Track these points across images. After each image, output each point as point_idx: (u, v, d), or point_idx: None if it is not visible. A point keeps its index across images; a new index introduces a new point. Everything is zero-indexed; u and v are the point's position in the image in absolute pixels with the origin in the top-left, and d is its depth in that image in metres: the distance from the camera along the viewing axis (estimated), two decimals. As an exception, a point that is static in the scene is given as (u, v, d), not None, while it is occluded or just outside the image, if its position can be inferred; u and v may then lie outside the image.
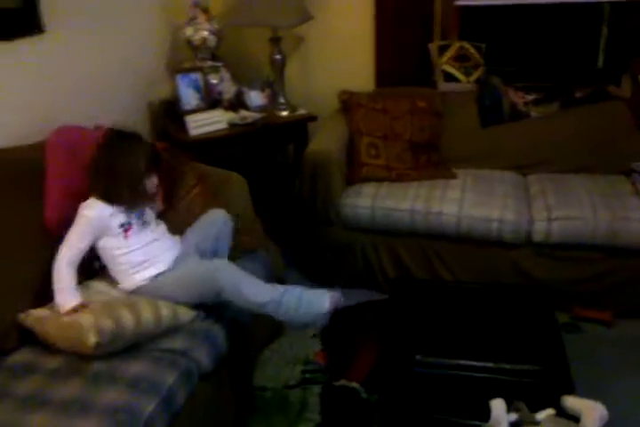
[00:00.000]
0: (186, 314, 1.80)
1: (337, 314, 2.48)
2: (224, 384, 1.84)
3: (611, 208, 2.35)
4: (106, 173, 1.80)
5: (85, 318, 1.60)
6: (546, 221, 2.37)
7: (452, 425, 1.46)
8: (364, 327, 2.37)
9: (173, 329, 1.77)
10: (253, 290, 1.76)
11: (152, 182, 1.86)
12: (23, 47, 2.16)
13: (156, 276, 1.84)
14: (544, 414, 1.36)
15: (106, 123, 2.35)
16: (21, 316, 1.70)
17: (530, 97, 2.91)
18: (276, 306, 1.75)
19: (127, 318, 1.65)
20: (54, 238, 1.84)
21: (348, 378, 2.01)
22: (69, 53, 2.39)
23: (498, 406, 1.38)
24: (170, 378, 1.59)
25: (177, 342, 1.73)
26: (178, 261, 1.89)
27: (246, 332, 1.97)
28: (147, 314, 1.70)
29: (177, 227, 2.00)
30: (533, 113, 2.88)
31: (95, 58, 2.55)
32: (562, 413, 1.38)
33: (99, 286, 1.88)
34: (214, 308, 1.86)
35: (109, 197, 1.79)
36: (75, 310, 1.67)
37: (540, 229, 2.37)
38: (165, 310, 1.75)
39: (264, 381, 2.03)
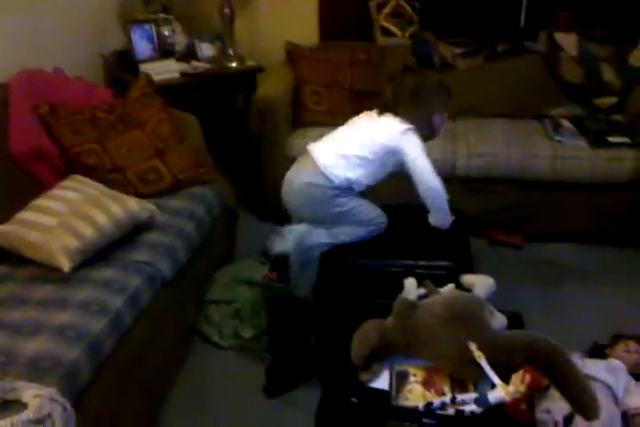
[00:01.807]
0: (140, 210, 2.01)
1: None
2: (183, 292, 2.10)
3: (522, 147, 2.69)
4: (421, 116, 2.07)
5: (53, 243, 1.76)
6: (466, 158, 2.69)
7: (376, 304, 1.77)
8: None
9: (135, 225, 2.00)
10: None
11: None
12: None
13: None
14: (446, 288, 1.68)
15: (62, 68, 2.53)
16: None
17: (458, 51, 3.21)
18: None
19: (87, 230, 1.82)
20: (18, 167, 2.08)
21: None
22: (27, 2, 2.52)
23: (409, 282, 1.70)
24: (136, 281, 1.84)
25: (142, 255, 1.96)
26: None
27: (202, 250, 2.22)
28: (101, 218, 1.88)
29: (142, 142, 2.29)
30: (461, 65, 3.19)
31: (51, 8, 2.68)
32: (460, 287, 1.70)
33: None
34: (173, 224, 2.11)
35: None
36: None
37: (461, 165, 2.69)
38: (117, 209, 1.93)
39: (216, 295, 2.31)
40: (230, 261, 2.64)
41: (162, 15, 3.13)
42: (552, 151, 2.65)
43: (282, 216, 2.96)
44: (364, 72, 3.09)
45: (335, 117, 2.96)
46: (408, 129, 2.02)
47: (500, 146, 2.69)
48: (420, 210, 2.12)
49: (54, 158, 2.19)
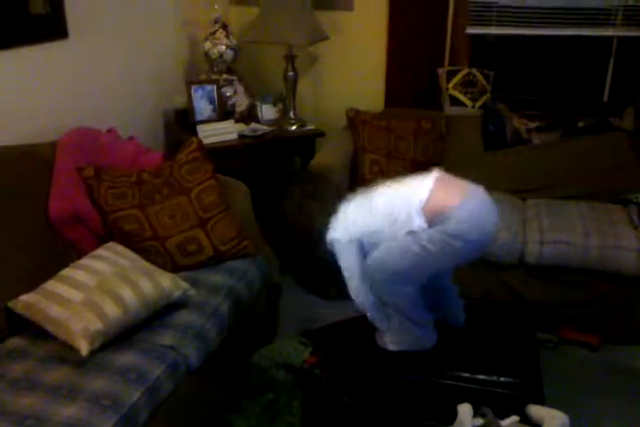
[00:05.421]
0: (172, 289, 1.85)
1: (330, 326, 2.54)
2: (211, 380, 1.90)
3: (603, 235, 2.40)
4: None
5: (74, 322, 1.63)
6: (538, 244, 2.42)
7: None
8: (355, 338, 2.41)
9: (165, 304, 1.84)
10: None
11: None
12: (49, 51, 2.28)
13: None
14: (508, 421, 1.40)
15: (120, 127, 2.48)
16: (10, 303, 1.73)
17: (533, 124, 2.99)
18: None
19: (112, 310, 1.68)
20: (54, 230, 1.99)
21: (334, 385, 2.05)
22: (90, 59, 2.51)
23: (463, 409, 1.43)
24: (157, 370, 1.65)
25: (167, 338, 1.78)
26: None
27: (238, 331, 2.03)
28: (129, 296, 1.73)
29: (186, 209, 2.16)
30: (535, 140, 2.96)
31: (115, 65, 2.67)
32: (527, 421, 1.42)
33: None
34: (207, 302, 1.93)
35: None
36: None
37: (532, 251, 2.42)
38: (147, 286, 1.78)
39: (250, 381, 2.09)
40: (272, 339, 2.42)
41: (225, 76, 3.08)
42: (638, 243, 2.35)
43: (328, 291, 2.78)
44: (428, 143, 2.92)
45: (395, 189, 2.80)
46: None
47: (578, 233, 2.41)
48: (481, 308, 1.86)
49: (94, 223, 2.09)
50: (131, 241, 2.07)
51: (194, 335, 1.82)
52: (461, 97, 3.12)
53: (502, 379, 1.61)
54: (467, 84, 3.14)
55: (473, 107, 3.11)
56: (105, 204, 2.09)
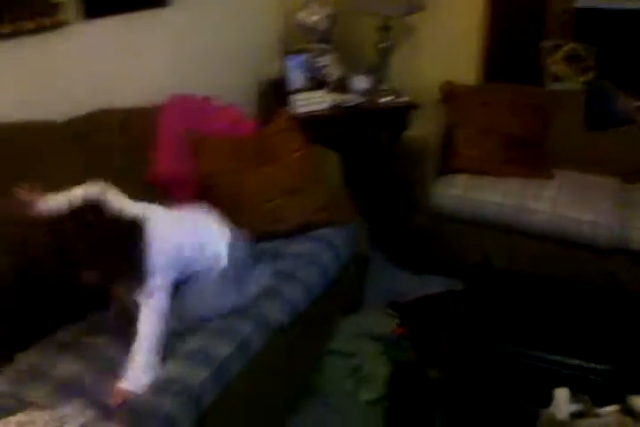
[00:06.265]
0: None
1: (418, 300, 2.51)
2: (298, 340, 1.92)
3: None
4: None
5: None
6: (643, 230, 2.28)
7: (514, 408, 1.47)
8: (442, 314, 2.37)
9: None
10: None
11: None
12: (150, 18, 2.33)
13: None
14: (607, 410, 1.33)
15: (216, 95, 2.50)
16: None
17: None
18: None
19: None
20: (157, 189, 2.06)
21: (422, 359, 2.03)
22: (188, 27, 2.55)
23: (561, 394, 1.37)
24: (246, 328, 1.70)
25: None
26: None
27: (325, 297, 2.05)
28: None
29: (276, 178, 2.16)
30: (644, 120, 2.77)
31: (212, 34, 2.70)
32: (627, 411, 1.34)
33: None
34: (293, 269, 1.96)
35: None
36: None
37: (636, 237, 2.28)
38: None
39: (336, 346, 2.11)
40: (358, 308, 2.43)
41: (319, 46, 3.06)
42: None
43: (421, 266, 2.71)
44: (526, 118, 2.78)
45: (488, 165, 2.71)
46: None
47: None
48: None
49: (191, 185, 2.14)
50: (221, 205, 2.09)
51: (280, 298, 1.85)
52: (564, 72, 2.96)
53: (601, 366, 1.54)
54: (571, 60, 2.97)
55: (576, 83, 2.95)
56: (204, 168, 2.14)
